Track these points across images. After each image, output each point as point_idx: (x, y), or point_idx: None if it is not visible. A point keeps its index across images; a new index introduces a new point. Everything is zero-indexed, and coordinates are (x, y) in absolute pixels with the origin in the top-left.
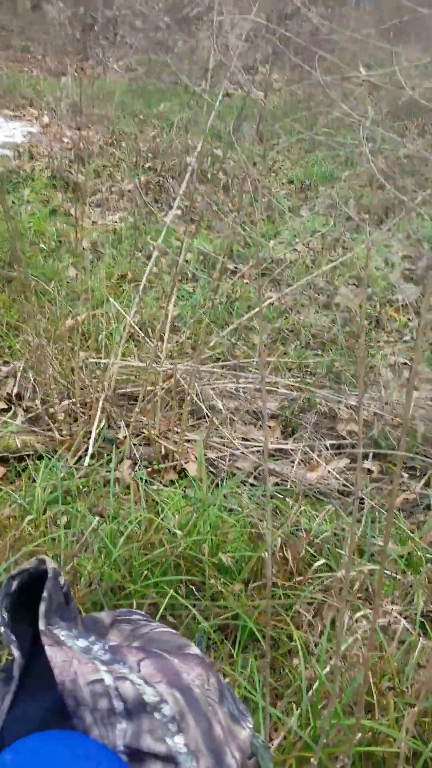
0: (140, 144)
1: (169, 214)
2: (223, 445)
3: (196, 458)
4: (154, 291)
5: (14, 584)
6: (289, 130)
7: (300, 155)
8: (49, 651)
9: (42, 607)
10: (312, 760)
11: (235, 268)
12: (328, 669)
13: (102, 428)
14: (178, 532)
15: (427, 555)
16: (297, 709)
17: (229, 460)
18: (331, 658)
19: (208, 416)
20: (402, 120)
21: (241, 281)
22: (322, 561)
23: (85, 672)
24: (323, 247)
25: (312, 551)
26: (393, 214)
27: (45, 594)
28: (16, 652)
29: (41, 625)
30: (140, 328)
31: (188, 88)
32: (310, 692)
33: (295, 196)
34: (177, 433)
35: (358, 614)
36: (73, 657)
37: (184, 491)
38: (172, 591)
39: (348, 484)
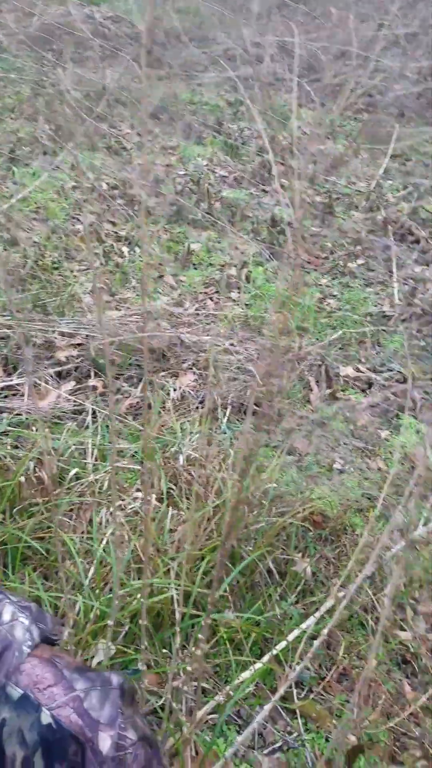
0: None
1: None
2: None
3: None
4: None
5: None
6: None
7: None
8: None
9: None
10: (109, 622)
11: None
12: (98, 557)
13: None
14: None
15: (157, 445)
16: (80, 596)
17: None
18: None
19: None
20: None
21: None
22: (73, 471)
23: None
24: None
25: (63, 466)
26: (60, 143)
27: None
28: None
29: None
30: None
31: None
32: (87, 580)
33: None
34: None
35: (112, 508)
36: None
37: None
38: None
39: (79, 402)
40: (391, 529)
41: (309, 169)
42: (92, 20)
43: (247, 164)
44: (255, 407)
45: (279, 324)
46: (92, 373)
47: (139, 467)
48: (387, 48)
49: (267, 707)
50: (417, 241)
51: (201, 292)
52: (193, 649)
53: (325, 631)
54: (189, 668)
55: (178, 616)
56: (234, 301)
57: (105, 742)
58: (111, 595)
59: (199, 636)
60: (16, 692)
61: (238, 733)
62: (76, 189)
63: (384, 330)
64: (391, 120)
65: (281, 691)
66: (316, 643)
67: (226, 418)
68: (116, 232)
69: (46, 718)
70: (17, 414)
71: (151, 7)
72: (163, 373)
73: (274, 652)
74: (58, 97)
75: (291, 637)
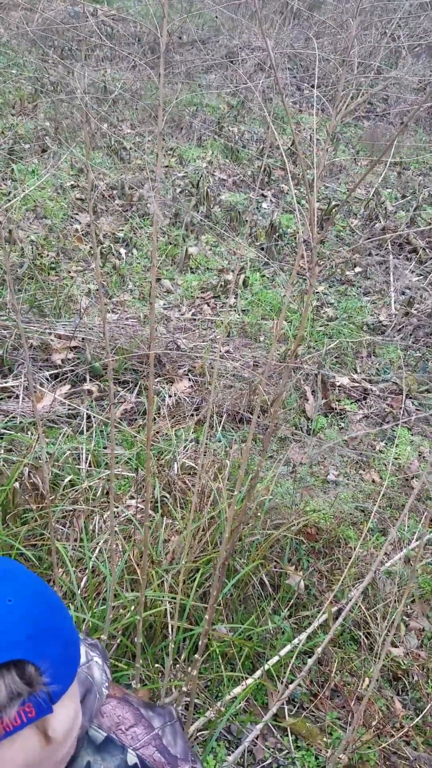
0: None
1: None
2: None
3: None
4: None
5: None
6: None
7: None
8: None
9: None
10: (102, 636)
11: None
12: (90, 567)
13: None
14: None
15: (151, 452)
16: (72, 605)
17: None
18: (90, 558)
19: None
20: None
21: None
22: (68, 478)
23: None
24: None
25: (57, 472)
26: (55, 143)
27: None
28: None
29: None
30: None
31: None
32: (79, 590)
33: None
34: None
35: (106, 516)
36: None
37: None
38: None
39: (74, 406)
40: (387, 544)
41: (309, 176)
42: (95, 18)
43: (247, 168)
44: (252, 416)
45: (278, 332)
46: (87, 377)
47: (132, 474)
48: (392, 57)
49: (258, 726)
50: (414, 251)
51: (198, 297)
52: (189, 669)
53: (320, 649)
54: (184, 688)
55: (171, 629)
56: (231, 306)
57: None
58: (104, 607)
59: (196, 656)
60: (99, 735)
61: (228, 749)
62: (74, 188)
63: (380, 340)
64: (391, 128)
65: (273, 709)
66: (310, 661)
67: (221, 426)
68: (113, 233)
69: (132, 758)
70: (12, 417)
71: (167, 9)
72: (158, 379)
73: (266, 667)
74: (67, 98)
75: (283, 652)
